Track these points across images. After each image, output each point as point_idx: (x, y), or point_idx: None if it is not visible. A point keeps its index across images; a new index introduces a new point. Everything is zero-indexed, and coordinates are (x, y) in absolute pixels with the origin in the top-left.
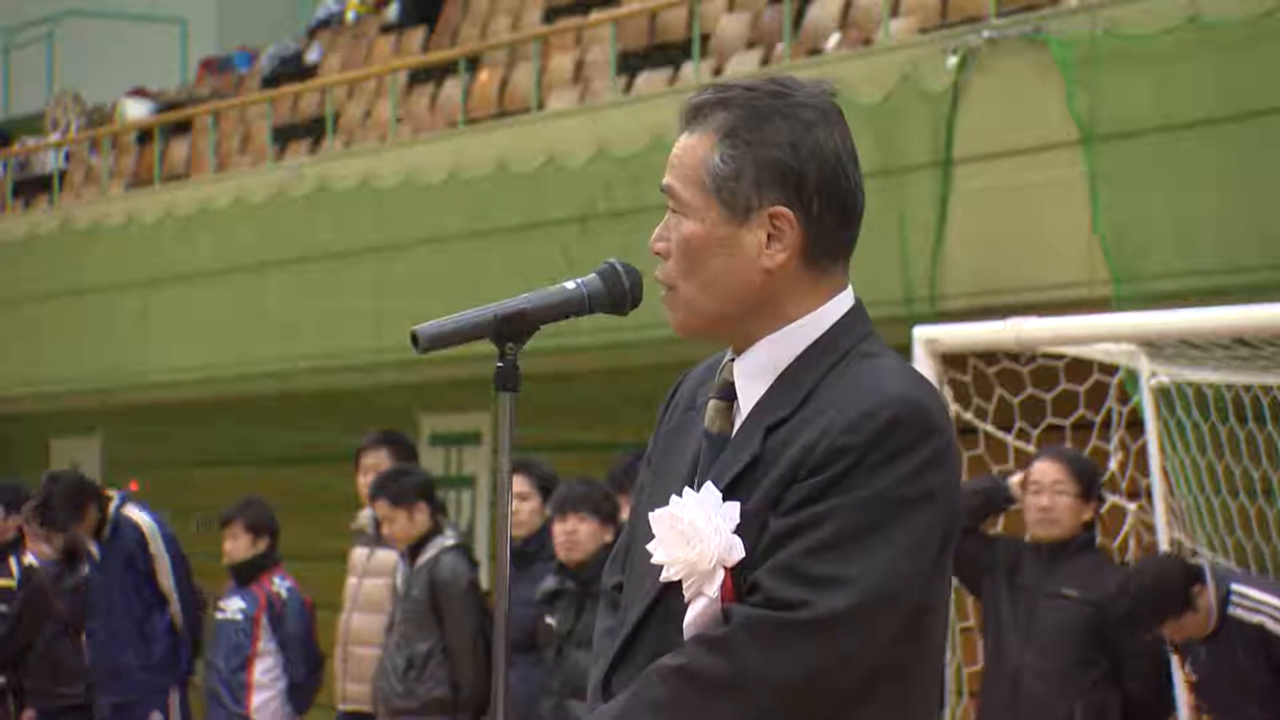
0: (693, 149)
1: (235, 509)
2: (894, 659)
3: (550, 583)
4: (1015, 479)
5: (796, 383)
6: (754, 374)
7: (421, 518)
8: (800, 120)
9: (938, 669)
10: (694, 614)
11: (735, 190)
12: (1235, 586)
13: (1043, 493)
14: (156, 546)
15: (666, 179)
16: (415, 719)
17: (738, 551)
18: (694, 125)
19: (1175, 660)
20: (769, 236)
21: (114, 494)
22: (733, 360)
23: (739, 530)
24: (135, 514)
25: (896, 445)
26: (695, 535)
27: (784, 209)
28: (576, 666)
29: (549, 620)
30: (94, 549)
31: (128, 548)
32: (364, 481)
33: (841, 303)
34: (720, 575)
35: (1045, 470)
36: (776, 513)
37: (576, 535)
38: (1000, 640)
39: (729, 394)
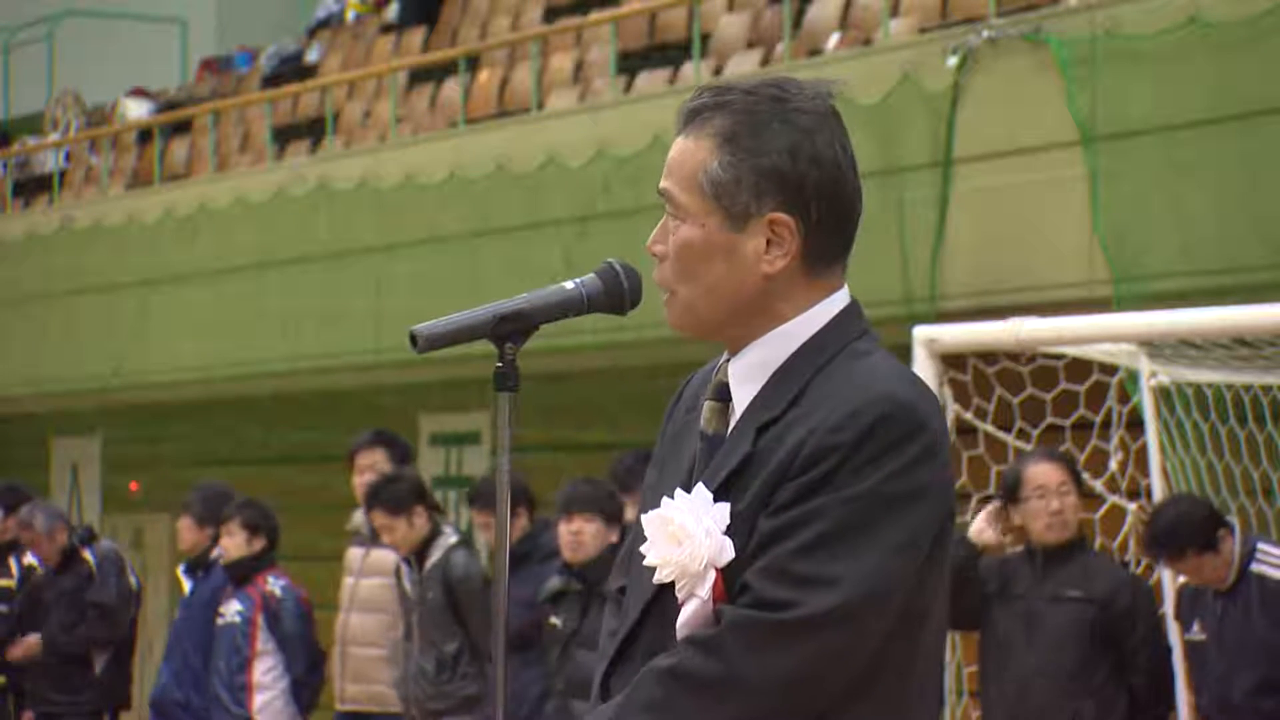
0: (691, 153)
1: (234, 507)
2: (890, 656)
3: (555, 582)
4: (973, 528)
5: (786, 383)
6: (747, 375)
7: (420, 521)
8: (798, 126)
9: (936, 665)
10: (687, 615)
11: (735, 197)
12: (1261, 545)
13: (1050, 496)
14: None
15: (664, 183)
16: (450, 719)
17: (728, 553)
18: (691, 129)
19: (1176, 628)
20: (768, 242)
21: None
22: (728, 361)
23: (730, 531)
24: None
25: (883, 444)
26: (685, 537)
27: (783, 215)
28: (580, 667)
29: (554, 620)
30: (186, 585)
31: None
32: (359, 482)
33: (834, 303)
34: (711, 576)
35: (1049, 474)
36: (765, 513)
37: (582, 535)
38: (1002, 652)
39: (724, 395)
